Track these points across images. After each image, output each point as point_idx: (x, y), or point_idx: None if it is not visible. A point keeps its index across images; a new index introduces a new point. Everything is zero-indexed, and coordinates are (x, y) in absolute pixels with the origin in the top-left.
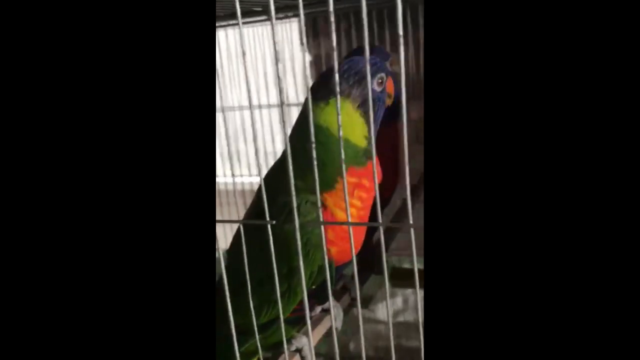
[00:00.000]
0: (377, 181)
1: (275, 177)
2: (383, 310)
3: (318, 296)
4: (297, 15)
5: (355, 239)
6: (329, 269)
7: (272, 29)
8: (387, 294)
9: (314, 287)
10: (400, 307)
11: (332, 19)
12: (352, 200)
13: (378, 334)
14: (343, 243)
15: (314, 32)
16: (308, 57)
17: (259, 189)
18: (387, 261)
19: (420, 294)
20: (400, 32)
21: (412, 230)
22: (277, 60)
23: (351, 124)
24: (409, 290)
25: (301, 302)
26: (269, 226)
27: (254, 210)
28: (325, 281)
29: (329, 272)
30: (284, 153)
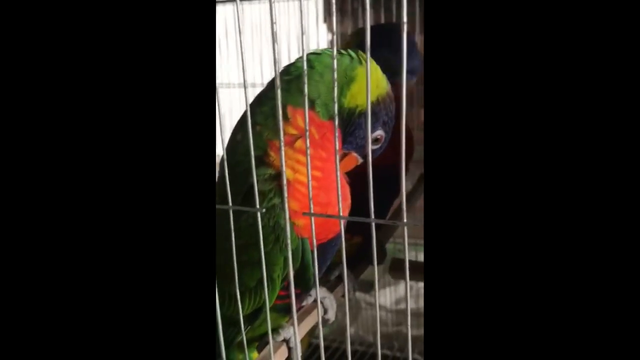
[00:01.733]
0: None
1: (233, 146)
2: (384, 297)
3: (303, 284)
4: None
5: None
6: (304, 250)
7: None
8: (375, 284)
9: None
10: (402, 294)
11: None
12: (298, 152)
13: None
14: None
15: (329, 11)
16: (328, 36)
17: (221, 165)
18: (386, 250)
19: (415, 285)
20: (405, 18)
21: (405, 228)
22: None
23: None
24: None
25: (287, 289)
26: (230, 211)
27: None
28: (306, 267)
29: (304, 254)
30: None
